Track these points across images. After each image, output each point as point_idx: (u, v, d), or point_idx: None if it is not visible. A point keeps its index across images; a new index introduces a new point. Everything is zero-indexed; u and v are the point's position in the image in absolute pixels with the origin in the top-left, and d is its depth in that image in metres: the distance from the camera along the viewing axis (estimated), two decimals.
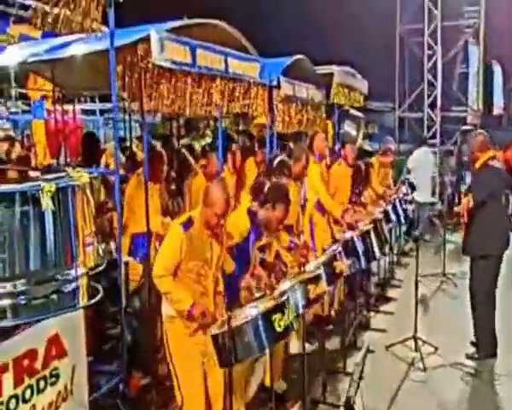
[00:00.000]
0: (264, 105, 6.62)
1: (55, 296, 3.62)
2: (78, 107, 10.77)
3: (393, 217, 7.85)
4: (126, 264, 5.28)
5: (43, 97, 8.30)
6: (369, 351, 3.84)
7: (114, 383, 4.53)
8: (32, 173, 4.64)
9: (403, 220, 8.22)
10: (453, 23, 15.93)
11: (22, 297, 3.49)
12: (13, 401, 2.89)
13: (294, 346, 5.69)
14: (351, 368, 5.34)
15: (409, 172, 11.75)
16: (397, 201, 8.30)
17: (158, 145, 9.10)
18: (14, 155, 8.53)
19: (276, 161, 5.81)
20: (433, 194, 14.77)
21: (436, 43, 15.49)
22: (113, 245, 5.19)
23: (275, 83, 6.87)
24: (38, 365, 3.05)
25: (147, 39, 4.47)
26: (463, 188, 12.86)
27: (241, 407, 4.29)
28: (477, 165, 6.15)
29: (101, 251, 4.97)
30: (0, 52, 5.68)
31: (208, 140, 11.85)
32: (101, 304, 5.29)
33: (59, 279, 3.68)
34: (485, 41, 16.19)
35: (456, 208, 6.42)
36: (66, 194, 3.73)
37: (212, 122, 12.38)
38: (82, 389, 3.40)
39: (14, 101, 10.12)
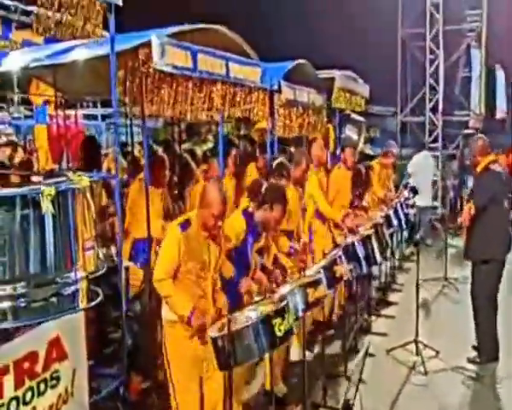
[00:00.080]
0: (265, 110, 6.64)
1: (54, 299, 3.64)
2: (80, 112, 10.80)
3: (395, 221, 7.85)
4: (127, 269, 5.30)
5: (46, 103, 8.33)
6: (368, 353, 3.85)
7: (115, 386, 4.55)
8: (34, 178, 4.66)
9: (404, 225, 8.23)
10: (455, 27, 15.91)
11: (22, 300, 3.51)
12: (13, 403, 2.90)
13: (295, 353, 5.70)
14: (352, 372, 5.35)
15: (409, 176, 11.76)
16: (398, 205, 8.31)
17: (160, 150, 9.14)
18: (16, 160, 8.58)
19: (274, 163, 5.84)
20: (436, 198, 14.79)
21: (438, 48, 15.50)
22: (114, 250, 5.22)
23: (276, 87, 6.88)
24: (39, 367, 3.06)
25: (148, 44, 4.50)
26: (465, 192, 12.88)
27: None
28: (478, 169, 6.16)
29: (102, 255, 4.99)
30: (2, 57, 5.71)
31: (210, 145, 11.88)
32: (102, 308, 5.33)
33: (58, 282, 3.69)
34: (488, 45, 16.17)
35: (459, 219, 6.42)
36: (66, 197, 3.75)
37: (213, 127, 12.39)
38: (82, 391, 3.41)
39: (17, 106, 10.18)
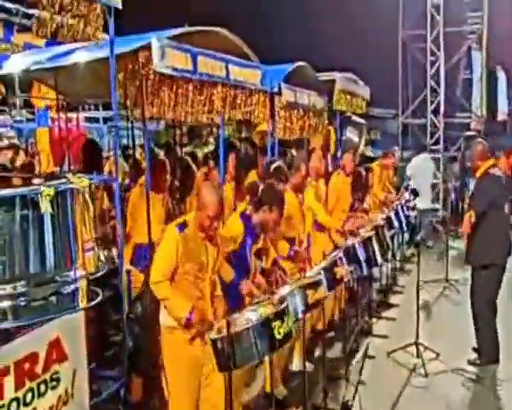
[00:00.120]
0: (265, 112, 6.64)
1: (54, 298, 3.67)
2: (82, 115, 10.83)
3: (396, 223, 7.86)
4: (129, 272, 5.32)
5: (48, 108, 8.35)
6: (369, 355, 3.86)
7: (115, 388, 4.56)
8: (35, 181, 4.68)
9: (405, 227, 8.23)
10: (456, 29, 15.92)
11: (22, 299, 3.54)
12: (14, 404, 2.91)
13: (295, 364, 5.71)
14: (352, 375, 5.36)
15: (408, 178, 11.77)
16: (399, 207, 8.32)
17: (161, 153, 9.15)
18: (18, 163, 8.60)
19: (272, 167, 5.84)
20: (437, 200, 14.79)
21: (439, 49, 15.49)
22: (115, 252, 5.22)
23: (276, 90, 6.89)
24: (39, 368, 3.07)
25: (148, 47, 4.51)
26: (467, 194, 12.86)
27: None
28: (478, 174, 6.18)
29: (103, 257, 5.00)
30: (4, 60, 5.74)
31: (211, 148, 11.91)
32: (103, 311, 5.35)
33: (58, 281, 3.72)
34: (489, 47, 16.17)
35: (459, 229, 6.44)
36: (65, 198, 3.78)
37: (214, 130, 12.42)
38: (83, 392, 3.42)
39: (19, 109, 10.21)
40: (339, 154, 9.79)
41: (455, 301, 8.34)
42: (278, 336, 3.40)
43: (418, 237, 6.93)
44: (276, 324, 3.40)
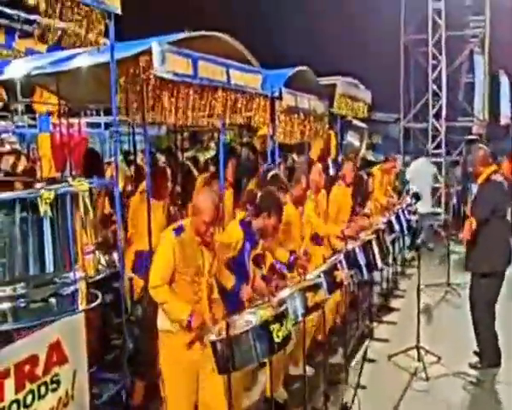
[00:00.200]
0: (266, 116, 6.66)
1: (53, 300, 3.70)
2: (84, 120, 10.85)
3: (397, 227, 7.86)
4: (131, 279, 5.34)
5: (49, 113, 8.38)
6: (370, 359, 3.87)
7: (116, 391, 4.57)
8: (37, 185, 4.71)
9: (406, 231, 8.23)
10: (458, 33, 15.95)
11: (22, 300, 3.57)
12: (14, 406, 2.92)
13: (295, 369, 5.72)
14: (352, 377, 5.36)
15: (408, 182, 11.78)
16: (400, 211, 8.32)
17: (162, 159, 9.17)
18: (19, 169, 8.61)
19: (269, 175, 5.85)
20: (439, 204, 14.78)
21: (441, 53, 15.52)
22: (116, 256, 5.25)
23: (277, 94, 6.92)
24: (39, 371, 3.08)
25: (148, 51, 4.54)
26: (469, 198, 12.85)
27: None
28: (479, 180, 6.18)
29: (103, 261, 5.03)
30: (5, 66, 5.77)
31: (212, 153, 11.92)
32: (105, 315, 5.37)
33: (57, 282, 3.76)
34: (491, 51, 16.19)
35: (460, 235, 6.45)
36: (65, 201, 3.81)
37: (216, 134, 12.44)
38: (83, 394, 3.44)
39: (21, 115, 10.23)
40: (339, 158, 9.81)
41: (456, 304, 8.32)
42: (277, 339, 3.41)
43: (419, 241, 6.92)
44: (275, 327, 3.40)
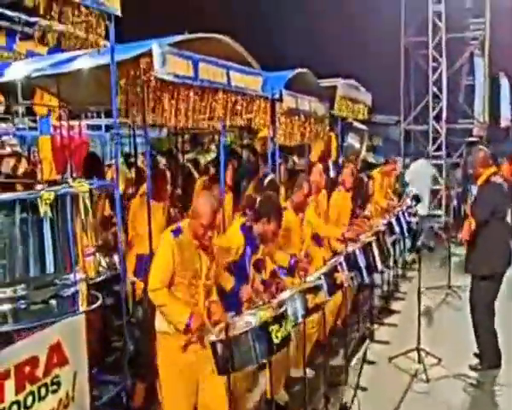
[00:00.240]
0: (266, 118, 6.67)
1: (54, 301, 3.70)
2: (84, 122, 10.85)
3: (397, 229, 7.86)
4: (133, 283, 5.35)
5: (50, 113, 8.39)
6: (370, 361, 3.87)
7: (116, 393, 4.57)
8: (37, 187, 4.72)
9: (406, 233, 8.22)
10: (458, 35, 15.94)
11: (22, 302, 3.58)
12: (14, 407, 2.92)
13: (296, 371, 5.71)
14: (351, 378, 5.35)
15: (407, 184, 11.78)
16: (400, 213, 8.32)
17: (163, 161, 9.17)
18: (20, 171, 8.61)
19: (266, 181, 5.86)
20: (440, 206, 14.77)
21: (441, 56, 15.51)
22: (117, 258, 5.25)
23: (277, 96, 6.93)
24: (40, 372, 3.08)
25: (149, 53, 4.55)
26: (470, 199, 12.84)
27: None
28: (479, 181, 6.19)
29: (104, 263, 5.03)
30: (6, 68, 5.78)
31: (213, 155, 11.92)
32: (106, 317, 5.37)
33: (57, 284, 3.76)
34: (491, 53, 16.19)
35: (459, 235, 6.45)
36: (65, 202, 3.82)
37: (216, 137, 12.44)
38: (83, 395, 3.43)
39: (21, 117, 10.24)
40: (340, 160, 9.82)
41: (457, 307, 8.31)
42: (276, 340, 3.41)
43: (419, 243, 6.92)
44: (274, 328, 3.40)
